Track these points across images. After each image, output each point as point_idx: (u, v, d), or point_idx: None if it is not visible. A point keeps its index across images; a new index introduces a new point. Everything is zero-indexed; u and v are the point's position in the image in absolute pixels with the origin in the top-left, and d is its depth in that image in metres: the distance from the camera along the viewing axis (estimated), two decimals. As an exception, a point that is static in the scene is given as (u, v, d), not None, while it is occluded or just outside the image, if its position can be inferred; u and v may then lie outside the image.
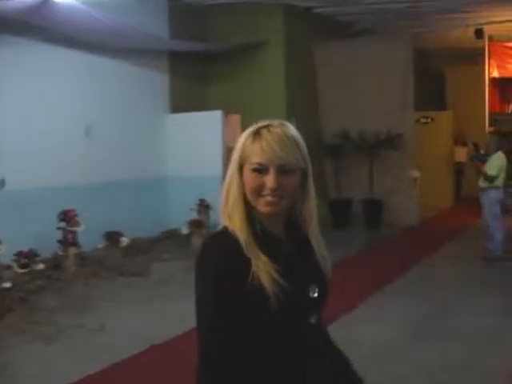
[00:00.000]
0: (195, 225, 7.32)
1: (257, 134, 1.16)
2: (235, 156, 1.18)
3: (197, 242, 6.93)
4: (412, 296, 5.25)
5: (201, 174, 7.94)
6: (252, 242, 1.12)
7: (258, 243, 1.13)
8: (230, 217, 1.16)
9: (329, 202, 9.20)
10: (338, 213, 9.12)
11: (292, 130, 1.18)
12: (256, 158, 1.14)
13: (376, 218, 9.03)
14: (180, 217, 7.58)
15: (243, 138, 1.17)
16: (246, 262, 1.11)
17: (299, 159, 1.16)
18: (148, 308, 4.97)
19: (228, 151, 7.10)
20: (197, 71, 8.80)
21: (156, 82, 8.18)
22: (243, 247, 1.11)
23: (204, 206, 7.64)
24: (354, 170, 9.37)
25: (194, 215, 7.56)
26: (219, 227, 1.19)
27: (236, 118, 8.22)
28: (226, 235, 1.15)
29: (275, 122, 1.18)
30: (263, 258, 1.11)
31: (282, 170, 1.14)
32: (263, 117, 1.21)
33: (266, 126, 1.17)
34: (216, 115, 8.01)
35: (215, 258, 1.12)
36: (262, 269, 1.10)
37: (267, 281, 1.09)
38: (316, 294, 1.18)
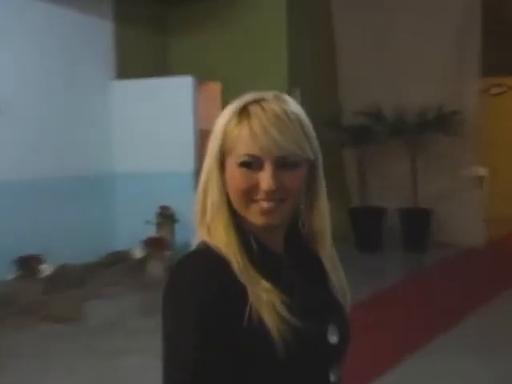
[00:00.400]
0: (154, 244, 7.25)
1: (244, 111, 1.14)
2: (214, 144, 1.17)
3: (156, 269, 6.96)
4: (472, 355, 4.99)
5: (162, 170, 7.82)
6: (247, 263, 1.13)
7: (254, 264, 1.14)
8: (210, 229, 1.17)
9: (350, 211, 9.12)
10: (363, 227, 9.02)
11: (294, 106, 1.18)
12: (244, 148, 1.13)
13: (420, 236, 8.89)
14: (131, 233, 7.46)
15: (225, 117, 1.16)
16: (240, 290, 1.10)
17: (306, 148, 1.16)
18: (82, 368, 4.86)
19: (203, 136, 7.13)
20: (154, 16, 8.57)
21: (94, 32, 7.94)
22: (235, 269, 1.12)
23: (167, 217, 7.60)
24: (388, 164, 9.19)
25: (152, 231, 7.51)
26: (196, 244, 1.19)
27: (214, 88, 8.12)
28: (207, 254, 1.14)
29: (270, 95, 1.17)
30: (264, 284, 1.11)
31: (282, 164, 1.13)
32: (253, 87, 1.22)
33: (258, 101, 1.15)
34: (184, 83, 7.86)
35: (196, 283, 1.10)
36: (264, 300, 1.10)
37: (271, 317, 1.09)
38: (336, 339, 1.18)
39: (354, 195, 9.62)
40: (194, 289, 1.09)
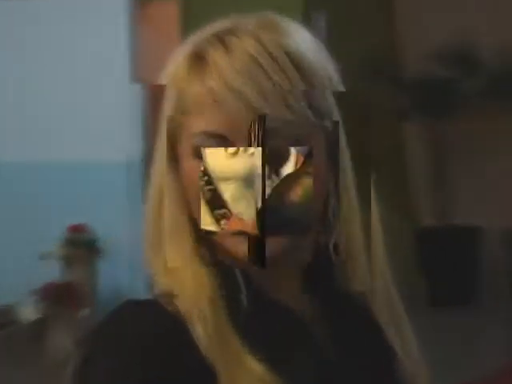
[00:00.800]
0: (57, 297, 6.55)
1: (201, 56, 0.90)
2: (161, 118, 0.98)
3: (60, 341, 6.36)
4: None
5: (73, 160, 6.91)
6: (224, 324, 0.93)
7: (239, 328, 0.93)
8: (166, 266, 0.99)
9: (419, 233, 8.12)
10: (442, 261, 7.89)
11: (299, 39, 0.92)
12: (199, 122, 0.89)
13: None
14: (15, 276, 6.60)
15: (172, 69, 0.94)
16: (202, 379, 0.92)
17: (307, 112, 0.89)
18: None
19: (154, 96, 6.09)
20: None
21: None
22: (198, 339, 0.91)
23: (82, 246, 6.79)
24: (488, 153, 7.96)
25: (55, 271, 6.69)
26: (142, 294, 1.03)
27: (169, 11, 7.26)
28: (149, 311, 0.95)
29: (251, 22, 0.92)
30: (253, 366, 0.91)
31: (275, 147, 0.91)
32: (238, 6, 1.18)
33: (233, 31, 0.91)
34: (114, 2, 7.01)
35: (117, 374, 0.91)
36: None
37: None
38: None
39: (425, 206, 8.29)
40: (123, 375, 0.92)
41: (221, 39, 0.88)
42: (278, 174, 0.86)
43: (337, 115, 0.95)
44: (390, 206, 1.06)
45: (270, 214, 0.86)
